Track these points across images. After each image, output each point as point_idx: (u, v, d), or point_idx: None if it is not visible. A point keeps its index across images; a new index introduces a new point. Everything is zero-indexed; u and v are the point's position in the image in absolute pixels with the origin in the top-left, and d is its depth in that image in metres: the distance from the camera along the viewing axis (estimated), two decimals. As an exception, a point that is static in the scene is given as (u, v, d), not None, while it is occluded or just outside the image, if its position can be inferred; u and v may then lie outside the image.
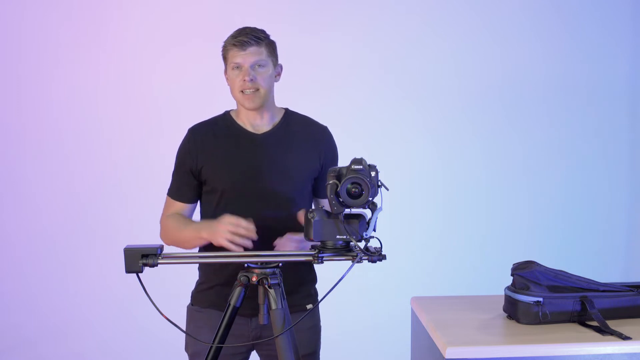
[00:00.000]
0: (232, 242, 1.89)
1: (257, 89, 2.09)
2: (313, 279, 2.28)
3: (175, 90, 3.70)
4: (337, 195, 1.73)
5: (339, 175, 1.75)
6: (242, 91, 2.09)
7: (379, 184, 1.77)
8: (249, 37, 2.07)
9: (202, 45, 3.65)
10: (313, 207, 2.20)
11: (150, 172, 3.70)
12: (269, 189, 2.12)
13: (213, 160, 2.14)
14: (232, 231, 1.90)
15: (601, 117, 3.90)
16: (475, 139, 3.86)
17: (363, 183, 1.72)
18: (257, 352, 2.26)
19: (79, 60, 3.67)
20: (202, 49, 3.65)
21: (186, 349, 2.23)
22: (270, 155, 2.14)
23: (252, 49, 2.07)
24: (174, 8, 3.68)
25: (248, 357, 2.25)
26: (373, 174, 1.76)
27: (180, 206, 2.19)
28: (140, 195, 3.70)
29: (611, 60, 3.88)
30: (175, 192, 2.21)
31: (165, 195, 2.24)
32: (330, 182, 1.74)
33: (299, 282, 2.19)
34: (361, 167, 1.74)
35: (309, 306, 2.19)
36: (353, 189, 1.72)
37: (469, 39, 3.81)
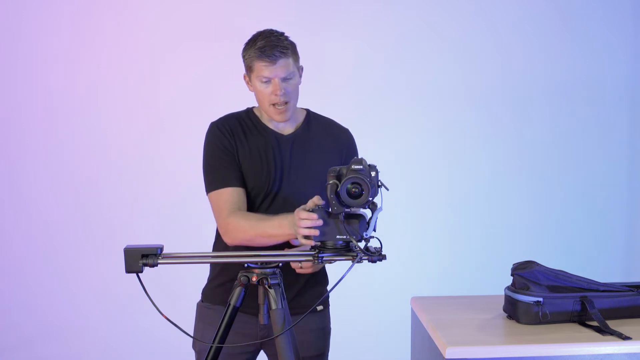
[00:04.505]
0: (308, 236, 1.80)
1: (288, 102, 2.07)
2: (325, 280, 2.27)
3: (175, 91, 3.70)
4: (337, 195, 1.73)
5: (339, 175, 1.76)
6: (272, 104, 2.07)
7: (379, 184, 1.77)
8: (278, 50, 2.02)
9: (202, 45, 3.67)
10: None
11: (151, 172, 3.70)
12: (294, 189, 2.11)
13: (243, 157, 2.11)
14: (308, 226, 1.78)
15: (602, 117, 3.90)
16: (476, 139, 3.85)
17: (363, 183, 1.72)
18: (265, 352, 2.26)
19: (79, 60, 3.67)
20: (202, 50, 3.67)
21: (193, 346, 2.23)
22: (296, 156, 2.13)
23: (282, 62, 2.03)
24: (174, 8, 3.68)
25: (255, 356, 2.24)
26: (373, 174, 1.76)
27: (230, 192, 2.06)
28: (140, 195, 3.70)
29: (613, 60, 3.88)
30: (222, 180, 2.07)
31: (207, 195, 2.11)
32: (331, 182, 1.74)
33: (311, 284, 2.19)
34: (361, 167, 1.74)
35: (320, 308, 2.19)
36: (353, 189, 1.72)
37: (471, 39, 3.81)
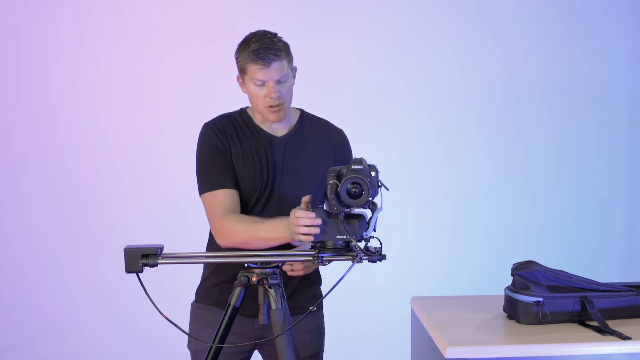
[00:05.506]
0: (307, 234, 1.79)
1: (282, 103, 2.06)
2: (318, 280, 2.27)
3: (175, 91, 3.70)
4: (337, 195, 1.73)
5: (339, 175, 1.75)
6: (267, 106, 2.05)
7: (379, 184, 1.77)
8: (272, 53, 2.00)
9: (202, 45, 3.67)
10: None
11: (151, 172, 3.71)
12: (288, 191, 2.10)
13: (236, 158, 2.10)
14: (307, 225, 1.78)
15: (602, 117, 3.90)
16: (476, 139, 3.86)
17: (363, 183, 1.72)
18: (260, 352, 2.26)
19: (79, 61, 3.67)
20: (202, 50, 3.67)
21: (189, 346, 2.23)
22: (289, 157, 2.13)
23: (275, 65, 2.01)
24: (174, 8, 3.68)
25: (250, 357, 2.24)
26: (373, 174, 1.76)
27: (224, 194, 2.05)
28: (140, 195, 3.70)
29: (613, 60, 3.88)
30: (216, 181, 2.06)
31: (200, 196, 2.10)
32: (330, 182, 1.74)
33: (305, 284, 2.18)
34: (361, 167, 1.74)
35: (313, 309, 2.19)
36: (353, 189, 1.72)
37: (471, 39, 3.81)
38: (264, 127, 2.14)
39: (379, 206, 1.77)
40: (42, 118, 3.68)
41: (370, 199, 1.73)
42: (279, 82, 2.03)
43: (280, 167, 2.11)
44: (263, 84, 2.03)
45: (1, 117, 3.67)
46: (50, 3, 3.62)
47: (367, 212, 1.78)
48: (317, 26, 3.71)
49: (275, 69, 2.02)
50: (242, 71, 2.06)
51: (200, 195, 2.11)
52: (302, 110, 2.23)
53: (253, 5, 3.68)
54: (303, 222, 1.78)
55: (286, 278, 2.06)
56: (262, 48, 2.00)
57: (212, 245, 2.16)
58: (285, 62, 2.04)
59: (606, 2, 3.85)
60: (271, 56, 2.00)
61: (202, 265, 2.24)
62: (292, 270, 2.02)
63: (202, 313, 2.19)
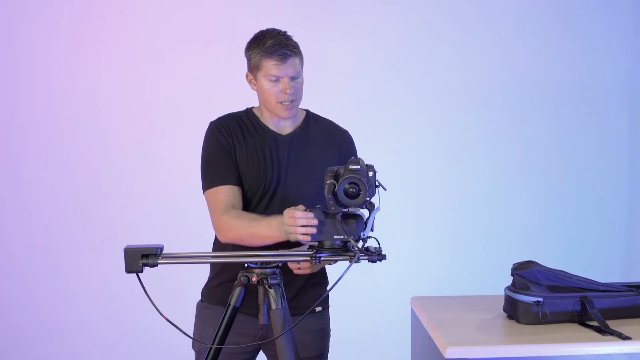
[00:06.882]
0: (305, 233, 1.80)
1: (294, 100, 2.08)
2: (325, 281, 2.26)
3: (175, 91, 3.70)
4: (335, 195, 1.73)
5: (336, 175, 1.76)
6: (280, 102, 2.07)
7: (377, 184, 1.77)
8: (288, 49, 2.03)
9: (202, 45, 3.67)
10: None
11: (151, 172, 3.71)
12: (292, 189, 2.11)
13: (241, 156, 2.11)
14: (304, 225, 1.79)
15: (602, 117, 3.90)
16: (476, 139, 3.86)
17: (360, 183, 1.72)
18: (264, 351, 2.26)
19: (79, 61, 3.67)
20: (202, 50, 3.67)
21: (193, 346, 2.22)
22: (293, 155, 2.13)
23: (291, 61, 2.03)
24: (174, 8, 3.68)
25: (255, 356, 2.24)
26: (371, 174, 1.76)
27: (226, 190, 2.07)
28: (140, 195, 3.70)
29: (613, 60, 3.88)
30: (219, 178, 2.08)
31: (204, 193, 2.11)
32: (328, 182, 1.75)
33: (311, 284, 2.18)
34: (359, 167, 1.74)
35: (319, 309, 2.19)
36: (350, 189, 1.72)
37: (471, 39, 3.82)
38: (270, 126, 2.15)
39: (376, 206, 1.77)
40: (42, 118, 3.68)
41: (368, 199, 1.73)
42: (293, 78, 2.06)
43: (284, 165, 2.12)
44: (277, 80, 2.05)
45: (1, 117, 3.67)
46: (50, 3, 3.62)
47: (365, 212, 1.78)
48: (317, 26, 3.71)
49: (291, 65, 2.04)
50: (256, 68, 2.07)
51: (203, 192, 2.13)
52: (307, 111, 2.24)
53: (253, 5, 3.68)
54: (300, 222, 1.78)
55: (293, 277, 2.06)
56: (278, 44, 2.03)
57: (217, 242, 2.17)
58: (298, 59, 2.07)
59: (606, 2, 3.85)
60: (287, 52, 2.03)
61: (208, 265, 2.24)
62: (299, 268, 2.03)
63: (206, 312, 2.20)
